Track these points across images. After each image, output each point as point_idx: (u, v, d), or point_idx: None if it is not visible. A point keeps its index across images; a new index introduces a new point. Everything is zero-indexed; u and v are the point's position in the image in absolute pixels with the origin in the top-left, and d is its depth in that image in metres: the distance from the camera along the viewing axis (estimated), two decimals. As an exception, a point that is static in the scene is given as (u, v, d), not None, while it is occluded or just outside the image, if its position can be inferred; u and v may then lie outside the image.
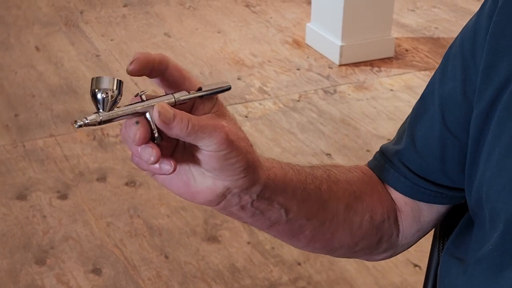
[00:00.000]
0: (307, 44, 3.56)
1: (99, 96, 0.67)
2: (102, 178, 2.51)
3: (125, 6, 3.96)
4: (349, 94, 3.13)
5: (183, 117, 0.69)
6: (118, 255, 2.17)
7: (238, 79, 3.22)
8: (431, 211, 0.94)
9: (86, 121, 0.67)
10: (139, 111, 0.69)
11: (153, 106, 0.69)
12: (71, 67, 3.29)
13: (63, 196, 2.42)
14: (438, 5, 4.09)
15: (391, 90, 3.18)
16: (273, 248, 2.22)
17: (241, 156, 0.73)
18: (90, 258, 2.16)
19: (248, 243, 2.24)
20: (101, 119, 0.68)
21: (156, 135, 0.70)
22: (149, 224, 2.31)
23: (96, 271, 2.11)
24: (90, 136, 2.75)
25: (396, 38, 3.57)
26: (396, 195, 0.94)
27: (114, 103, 0.68)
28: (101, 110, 0.68)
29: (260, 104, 3.03)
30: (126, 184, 2.49)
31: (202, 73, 3.25)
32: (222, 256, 2.19)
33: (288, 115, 2.95)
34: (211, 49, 3.49)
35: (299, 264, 2.17)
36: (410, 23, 3.85)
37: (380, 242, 0.94)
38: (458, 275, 0.90)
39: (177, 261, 2.16)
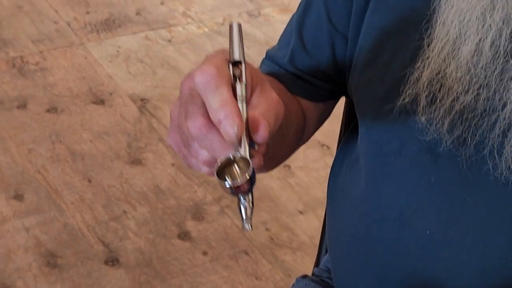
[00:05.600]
0: (231, -32, 3.52)
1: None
2: (22, 106, 2.46)
3: None
4: (273, 17, 3.11)
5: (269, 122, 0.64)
6: (40, 181, 2.15)
7: (161, 4, 3.17)
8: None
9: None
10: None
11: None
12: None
13: (-17, 125, 2.37)
14: None
15: (316, 11, 3.17)
16: (197, 168, 2.23)
17: None
18: (11, 184, 2.13)
19: (172, 164, 2.24)
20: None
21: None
22: (71, 149, 2.28)
23: (18, 197, 2.09)
24: (9, 64, 2.68)
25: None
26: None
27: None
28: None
29: (184, 28, 3.00)
30: (48, 111, 2.45)
31: (124, -2, 3.19)
32: (146, 179, 2.19)
33: (213, 38, 2.93)
34: (133, -25, 3.42)
35: (223, 183, 2.18)
36: None
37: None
38: (346, 173, 0.92)
39: (100, 184, 2.15)
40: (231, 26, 0.68)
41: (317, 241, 1.23)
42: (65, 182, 2.15)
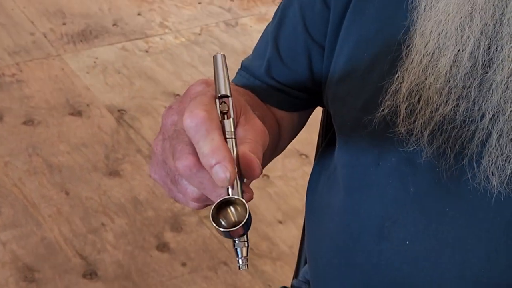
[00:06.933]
0: (208, -22, 3.51)
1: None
2: (-2, 118, 2.44)
3: None
4: (251, 26, 3.12)
5: (259, 158, 0.63)
6: (17, 194, 2.13)
7: (138, 14, 3.16)
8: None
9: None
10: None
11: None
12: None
13: (-42, 138, 2.34)
14: None
15: (293, 21, 3.18)
16: (175, 179, 2.21)
17: None
18: (-13, 198, 2.11)
19: (150, 175, 2.22)
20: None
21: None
22: (48, 162, 2.26)
23: (-5, 210, 2.07)
24: (-16, 76, 2.66)
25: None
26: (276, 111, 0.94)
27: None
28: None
29: (161, 38, 2.99)
30: (24, 123, 2.43)
31: (101, 9, 3.18)
32: (124, 190, 2.17)
33: (190, 48, 2.92)
34: (109, -15, 3.41)
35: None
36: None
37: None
38: (324, 185, 0.91)
39: (78, 197, 2.13)
40: (215, 58, 0.65)
41: (296, 250, 1.22)
42: (42, 195, 2.13)
